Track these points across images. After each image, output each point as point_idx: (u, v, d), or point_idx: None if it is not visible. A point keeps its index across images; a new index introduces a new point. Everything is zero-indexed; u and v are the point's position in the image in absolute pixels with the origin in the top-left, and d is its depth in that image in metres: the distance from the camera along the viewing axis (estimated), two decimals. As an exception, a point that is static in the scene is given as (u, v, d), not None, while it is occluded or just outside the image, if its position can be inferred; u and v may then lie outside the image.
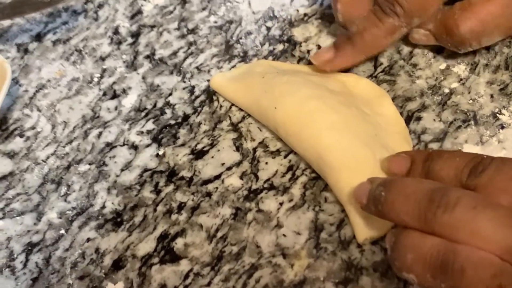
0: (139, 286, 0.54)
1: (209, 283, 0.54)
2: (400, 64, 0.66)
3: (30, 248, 0.57)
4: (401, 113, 0.62)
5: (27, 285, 0.55)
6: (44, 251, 0.57)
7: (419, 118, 0.62)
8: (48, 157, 0.63)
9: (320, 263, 0.54)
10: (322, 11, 0.73)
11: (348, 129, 0.57)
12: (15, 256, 0.57)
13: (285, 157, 0.61)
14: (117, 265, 0.56)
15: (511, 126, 0.61)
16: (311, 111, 0.57)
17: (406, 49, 0.68)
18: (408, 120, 0.62)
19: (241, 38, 0.71)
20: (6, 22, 0.73)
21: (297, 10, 0.73)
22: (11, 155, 0.63)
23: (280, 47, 0.70)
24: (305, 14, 0.73)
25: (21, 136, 0.65)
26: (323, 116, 0.57)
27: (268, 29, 0.71)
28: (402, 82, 0.65)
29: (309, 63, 0.67)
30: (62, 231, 0.58)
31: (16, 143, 0.64)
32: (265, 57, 0.69)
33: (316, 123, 0.57)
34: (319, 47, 0.69)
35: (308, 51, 0.69)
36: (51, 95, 0.67)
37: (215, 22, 0.73)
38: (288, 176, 0.60)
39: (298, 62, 0.68)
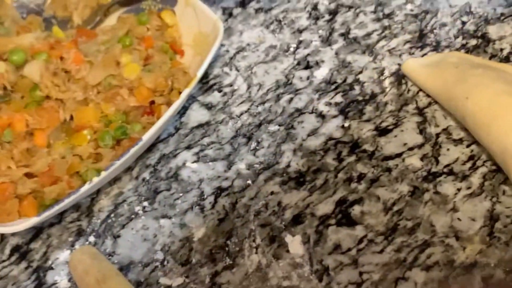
0: (315, 242, 0.58)
1: (381, 251, 0.57)
2: None
3: (219, 191, 0.62)
4: None
5: (214, 224, 0.60)
6: (231, 197, 0.62)
7: None
8: (242, 113, 0.68)
9: (492, 251, 0.56)
10: (520, 13, 0.74)
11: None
12: (205, 196, 0.62)
13: (468, 146, 0.63)
14: (297, 220, 0.60)
15: None
16: (504, 105, 0.59)
17: None
18: None
19: (435, 29, 0.73)
20: (216, -13, 0.79)
21: (494, 9, 0.74)
22: (209, 106, 0.69)
23: (473, 42, 0.71)
24: (502, 14, 0.74)
25: (219, 91, 0.70)
26: None
27: (463, 23, 0.73)
28: None
29: (501, 61, 0.68)
30: (249, 181, 0.63)
31: (214, 97, 0.70)
32: (457, 50, 0.71)
33: (508, 118, 0.58)
34: (512, 47, 0.70)
35: (502, 49, 0.70)
36: (250, 58, 0.72)
37: (412, 10, 0.75)
38: (469, 164, 0.62)
39: (490, 58, 0.70)
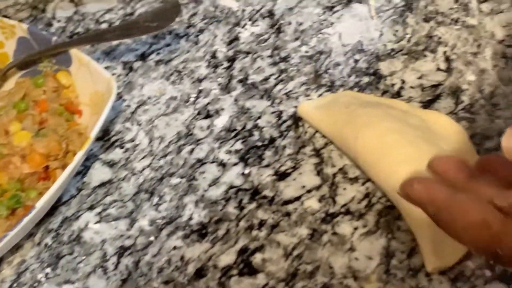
0: (218, 295, 0.59)
1: (283, 298, 0.58)
2: (480, 103, 0.69)
3: (122, 251, 0.62)
4: (478, 151, 0.64)
5: (117, 285, 0.60)
6: (134, 255, 0.62)
7: (496, 157, 0.64)
8: (144, 168, 0.68)
9: (389, 288, 0.57)
10: (409, 48, 0.76)
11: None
12: (108, 257, 0.62)
13: (363, 184, 0.64)
14: (199, 273, 0.60)
15: None
16: (390, 144, 0.61)
17: (488, 89, 0.70)
18: (485, 157, 0.64)
19: (329, 69, 0.75)
20: (115, 42, 0.79)
21: (385, 45, 0.76)
22: (111, 164, 0.69)
23: (366, 79, 0.73)
24: (392, 49, 0.76)
25: (121, 147, 0.70)
26: (401, 149, 0.60)
27: (356, 61, 0.75)
28: (481, 121, 0.68)
29: (392, 96, 0.70)
30: (152, 238, 0.63)
31: (116, 154, 0.70)
32: (351, 88, 0.72)
33: (394, 156, 0.60)
34: (403, 81, 0.72)
35: (393, 85, 0.72)
36: (151, 111, 0.73)
37: (306, 52, 0.77)
38: (364, 202, 0.63)
39: (382, 94, 0.72)
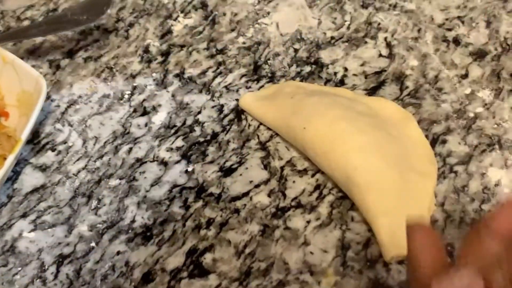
0: (168, 300, 0.56)
1: (237, 299, 0.55)
2: (425, 88, 0.69)
3: (61, 259, 0.59)
4: (426, 136, 0.64)
5: (58, 296, 0.57)
6: (75, 263, 0.58)
7: (444, 141, 0.65)
8: (79, 171, 0.65)
9: (347, 281, 0.56)
10: (349, 35, 0.75)
11: (376, 151, 0.59)
12: (46, 267, 0.58)
13: (312, 176, 0.63)
14: (147, 278, 0.57)
15: (536, 151, 0.63)
16: (340, 132, 0.59)
17: (431, 73, 0.70)
18: (433, 142, 0.64)
19: (269, 59, 0.73)
20: (39, 39, 0.75)
21: (324, 33, 0.75)
22: (43, 168, 0.65)
23: (307, 68, 0.72)
24: (332, 37, 0.75)
25: (52, 150, 0.66)
26: (351, 137, 0.59)
27: (296, 51, 0.74)
28: (427, 106, 0.67)
29: (336, 85, 0.69)
30: (93, 244, 0.59)
31: (48, 157, 0.66)
32: (293, 78, 0.71)
33: (345, 144, 0.59)
34: (345, 69, 0.71)
35: (335, 73, 0.71)
36: (82, 111, 0.69)
37: (244, 43, 0.75)
38: (316, 195, 0.62)
39: (325, 83, 0.71)
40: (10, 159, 0.58)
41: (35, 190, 0.63)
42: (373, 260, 0.57)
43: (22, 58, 0.67)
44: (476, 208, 0.60)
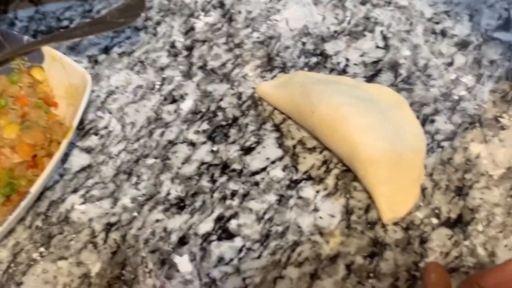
0: (201, 258, 0.65)
1: (259, 256, 0.65)
2: (416, 75, 0.78)
3: (108, 227, 0.67)
4: (417, 117, 0.73)
5: (108, 257, 0.65)
6: (120, 230, 0.67)
7: (433, 121, 0.75)
8: (119, 152, 0.73)
9: (351, 240, 0.66)
10: (350, 29, 0.84)
11: (375, 130, 0.67)
12: (97, 234, 0.67)
13: (320, 153, 0.72)
14: (182, 241, 0.66)
15: (510, 128, 0.73)
16: (344, 115, 0.68)
17: (422, 62, 0.79)
18: (423, 122, 0.74)
19: (280, 52, 0.82)
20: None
21: (328, 28, 0.84)
22: (88, 150, 0.74)
23: (314, 59, 0.81)
24: (335, 31, 0.84)
25: (96, 134, 0.75)
26: (353, 119, 0.68)
27: (304, 44, 0.83)
28: (418, 90, 0.77)
29: (339, 73, 0.78)
30: (135, 214, 0.68)
31: (92, 140, 0.74)
32: (302, 68, 0.80)
33: (348, 125, 0.67)
34: (347, 60, 0.80)
35: (338, 63, 0.80)
36: (120, 100, 0.78)
37: (258, 37, 0.84)
38: (323, 169, 0.71)
39: (330, 72, 0.79)
40: (64, 143, 0.66)
41: (83, 169, 0.72)
42: (373, 222, 0.67)
43: (64, 54, 0.76)
44: (460, 177, 0.70)
